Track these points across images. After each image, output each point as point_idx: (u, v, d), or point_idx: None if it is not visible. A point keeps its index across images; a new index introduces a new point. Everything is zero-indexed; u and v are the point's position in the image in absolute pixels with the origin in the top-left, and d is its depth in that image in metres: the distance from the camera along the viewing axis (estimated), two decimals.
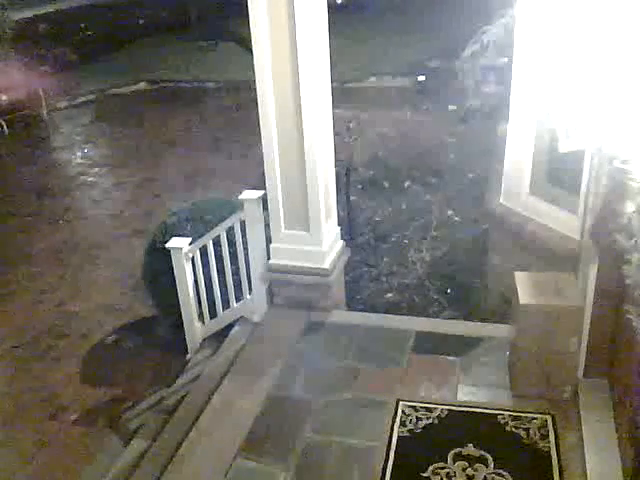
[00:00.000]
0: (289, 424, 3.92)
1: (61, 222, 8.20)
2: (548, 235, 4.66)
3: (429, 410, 3.92)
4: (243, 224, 4.75)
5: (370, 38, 15.40)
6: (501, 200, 5.19)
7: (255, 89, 4.44)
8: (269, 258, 4.86)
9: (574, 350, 3.79)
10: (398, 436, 3.75)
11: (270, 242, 4.85)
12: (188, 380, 4.68)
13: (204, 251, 4.82)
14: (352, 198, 7.14)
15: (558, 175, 4.73)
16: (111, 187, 9.30)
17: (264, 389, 4.20)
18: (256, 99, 4.47)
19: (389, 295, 5.93)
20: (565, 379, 3.86)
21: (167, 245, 4.81)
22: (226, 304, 4.99)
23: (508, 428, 3.75)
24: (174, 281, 4.88)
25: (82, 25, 16.67)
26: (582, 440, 3.52)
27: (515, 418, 3.81)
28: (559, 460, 3.51)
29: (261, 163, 4.67)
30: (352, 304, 5.49)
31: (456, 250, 6.54)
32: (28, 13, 15.04)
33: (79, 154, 10.73)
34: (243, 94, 12.27)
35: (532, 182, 4.93)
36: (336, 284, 4.94)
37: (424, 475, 3.48)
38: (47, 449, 4.61)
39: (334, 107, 4.76)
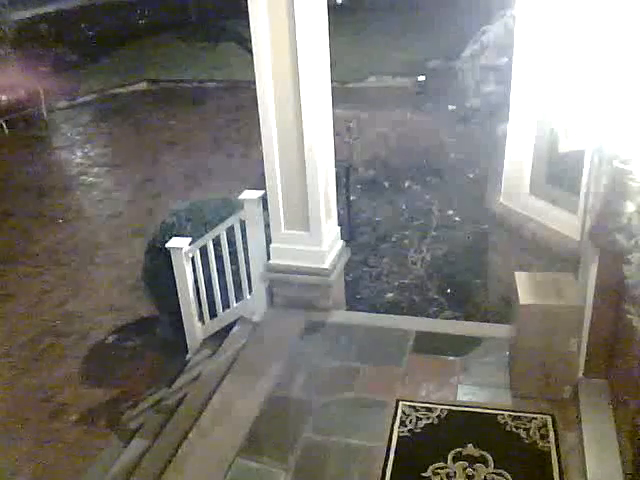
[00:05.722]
0: (289, 424, 3.92)
1: (61, 222, 8.20)
2: (548, 235, 4.65)
3: (429, 410, 3.92)
4: (243, 224, 4.75)
5: (370, 38, 15.40)
6: (501, 200, 5.18)
7: (255, 89, 4.44)
8: (269, 258, 4.86)
9: (574, 350, 3.79)
10: (398, 436, 3.75)
11: (270, 242, 4.85)
12: (188, 380, 4.68)
13: (204, 251, 4.82)
14: (352, 198, 7.14)
15: (558, 175, 4.73)
16: (111, 187, 9.31)
17: (264, 389, 4.20)
18: (256, 99, 4.47)
19: (389, 295, 5.93)
20: (565, 379, 3.86)
21: (167, 245, 4.81)
22: (226, 304, 4.99)
23: (508, 428, 3.75)
24: (174, 281, 4.88)
25: (82, 25, 16.68)
26: (582, 440, 3.52)
27: (515, 418, 3.80)
28: (559, 460, 3.51)
29: (261, 163, 4.67)
30: (352, 304, 5.49)
31: (456, 250, 6.55)
32: (28, 13, 15.04)
33: (79, 154, 10.73)
34: (243, 94, 12.27)
35: (532, 182, 4.93)
36: (336, 284, 4.94)
37: (424, 475, 3.48)
38: (47, 449, 4.61)
39: (334, 107, 4.75)
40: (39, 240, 7.70)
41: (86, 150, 10.91)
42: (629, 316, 3.00)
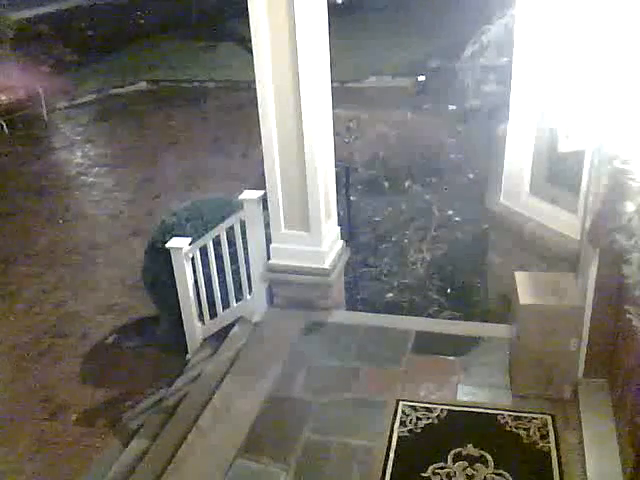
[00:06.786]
0: (289, 424, 3.92)
1: (61, 222, 8.20)
2: (548, 235, 4.66)
3: (429, 410, 3.92)
4: (243, 224, 4.75)
5: (370, 38, 15.39)
6: (501, 200, 5.19)
7: (255, 89, 4.44)
8: (269, 258, 4.86)
9: (574, 350, 3.79)
10: (398, 436, 3.75)
11: (270, 242, 4.85)
12: (188, 380, 4.69)
13: (204, 251, 4.82)
14: (352, 198, 7.13)
15: (558, 175, 4.73)
16: (111, 187, 9.30)
17: (264, 389, 4.20)
18: (256, 99, 4.47)
19: (389, 295, 5.93)
20: (565, 379, 3.86)
21: (167, 245, 4.81)
22: (226, 304, 4.99)
23: (508, 428, 3.75)
24: (174, 281, 4.88)
25: (82, 25, 16.66)
26: (582, 440, 3.52)
27: (515, 418, 3.81)
28: (559, 460, 3.52)
29: (261, 163, 4.68)
30: (352, 304, 5.49)
31: (456, 250, 6.54)
32: (28, 13, 15.02)
33: (79, 154, 10.73)
34: (243, 94, 12.26)
35: (532, 182, 4.93)
36: (336, 284, 4.94)
37: (424, 475, 3.48)
38: (47, 449, 4.61)
39: (334, 107, 4.76)
40: (39, 240, 7.69)
41: (86, 150, 10.91)
42: (629, 316, 3.00)
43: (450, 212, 7.32)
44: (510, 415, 3.83)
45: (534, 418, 3.79)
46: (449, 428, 3.79)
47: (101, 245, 7.54)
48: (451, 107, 10.31)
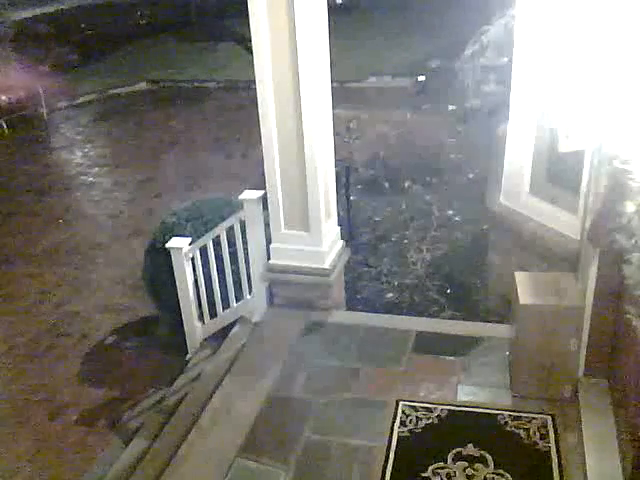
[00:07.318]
0: (289, 424, 3.92)
1: (61, 222, 8.20)
2: (548, 235, 4.66)
3: (429, 410, 3.92)
4: (243, 224, 4.75)
5: (370, 38, 15.41)
6: (501, 200, 5.19)
7: (255, 89, 4.44)
8: (269, 258, 4.86)
9: (574, 350, 3.79)
10: (398, 436, 3.75)
11: (270, 242, 4.85)
12: (188, 380, 4.69)
13: (204, 251, 4.82)
14: (352, 198, 7.14)
15: (558, 175, 4.73)
16: (111, 187, 9.30)
17: (264, 389, 4.20)
18: (256, 99, 4.47)
19: (389, 295, 5.93)
20: (565, 379, 3.86)
21: (167, 245, 4.81)
22: (226, 304, 4.99)
23: (508, 428, 3.75)
24: (174, 281, 4.88)
25: (82, 25, 16.67)
26: (582, 440, 3.52)
27: (515, 418, 3.81)
28: (559, 460, 3.52)
29: (261, 163, 4.68)
30: (352, 304, 5.49)
31: (456, 250, 6.55)
32: (28, 13, 15.04)
33: (79, 154, 10.73)
34: (243, 94, 12.27)
35: (532, 182, 4.94)
36: (336, 284, 4.94)
37: (424, 475, 3.48)
38: (47, 449, 4.61)
39: (334, 107, 4.76)
40: (39, 240, 7.69)
41: (86, 150, 10.91)
42: (629, 316, 3.00)
43: (450, 212, 7.32)
44: (510, 415, 3.83)
45: (534, 418, 3.79)
46: (449, 428, 3.79)
47: (101, 245, 7.54)
48: (451, 107, 10.32)
